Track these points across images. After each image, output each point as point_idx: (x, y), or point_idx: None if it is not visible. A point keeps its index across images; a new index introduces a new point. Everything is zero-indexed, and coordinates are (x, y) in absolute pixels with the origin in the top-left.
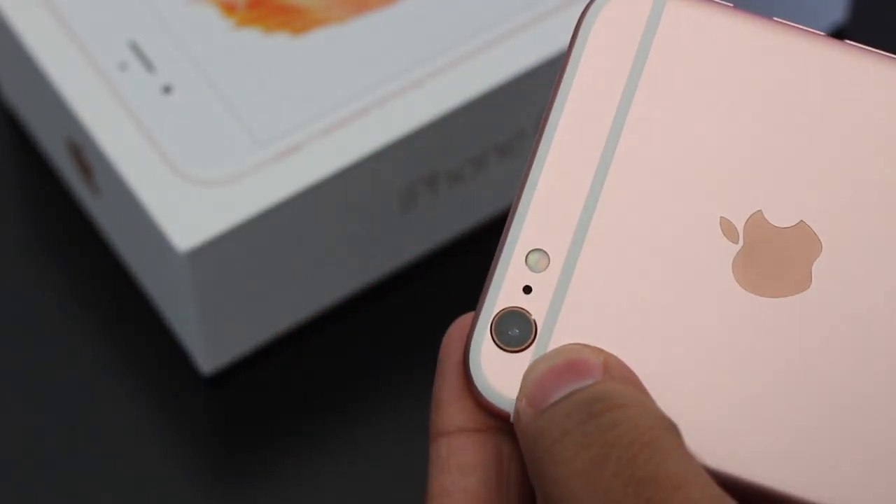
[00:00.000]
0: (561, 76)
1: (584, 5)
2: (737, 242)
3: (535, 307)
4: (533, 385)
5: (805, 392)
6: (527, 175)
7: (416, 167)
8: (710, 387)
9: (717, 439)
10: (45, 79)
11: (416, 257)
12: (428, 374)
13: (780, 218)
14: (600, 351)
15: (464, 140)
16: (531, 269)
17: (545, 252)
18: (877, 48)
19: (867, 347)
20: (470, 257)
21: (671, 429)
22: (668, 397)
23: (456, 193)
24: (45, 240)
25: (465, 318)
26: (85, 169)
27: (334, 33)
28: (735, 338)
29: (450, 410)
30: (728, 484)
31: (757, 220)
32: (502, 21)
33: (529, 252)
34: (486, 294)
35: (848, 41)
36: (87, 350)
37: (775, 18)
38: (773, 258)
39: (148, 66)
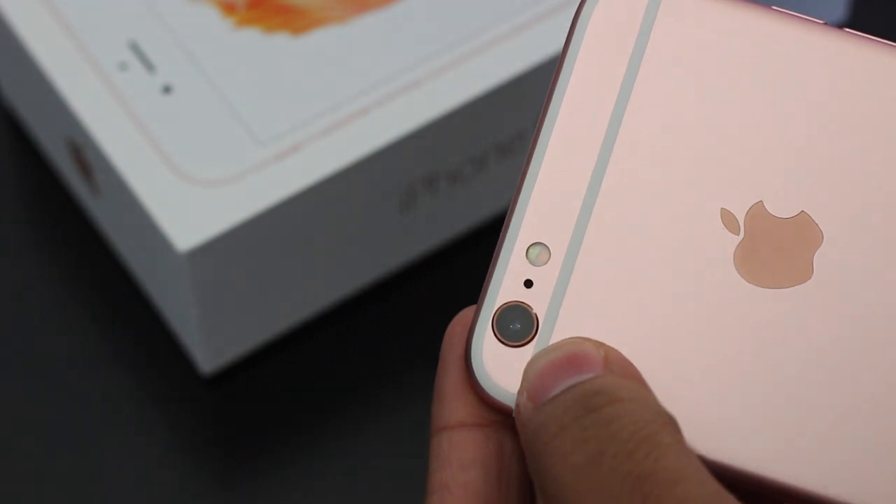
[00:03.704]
0: (559, 69)
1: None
2: (738, 234)
3: (537, 301)
4: (534, 379)
5: (808, 382)
6: (526, 169)
7: (416, 167)
8: (713, 378)
9: (720, 431)
10: (45, 79)
11: (416, 257)
12: (428, 373)
13: (781, 208)
14: (601, 344)
15: (464, 140)
16: (532, 262)
17: (546, 246)
18: (876, 36)
19: (869, 337)
20: (470, 257)
21: (670, 423)
22: (672, 389)
23: (456, 193)
24: (45, 240)
25: (466, 312)
26: (85, 169)
27: (334, 33)
28: (737, 328)
29: (451, 405)
30: (731, 476)
31: (758, 211)
32: (502, 21)
33: (530, 246)
34: (487, 288)
35: (847, 29)
36: (87, 350)
37: (773, 7)
38: (775, 249)
39: (148, 66)
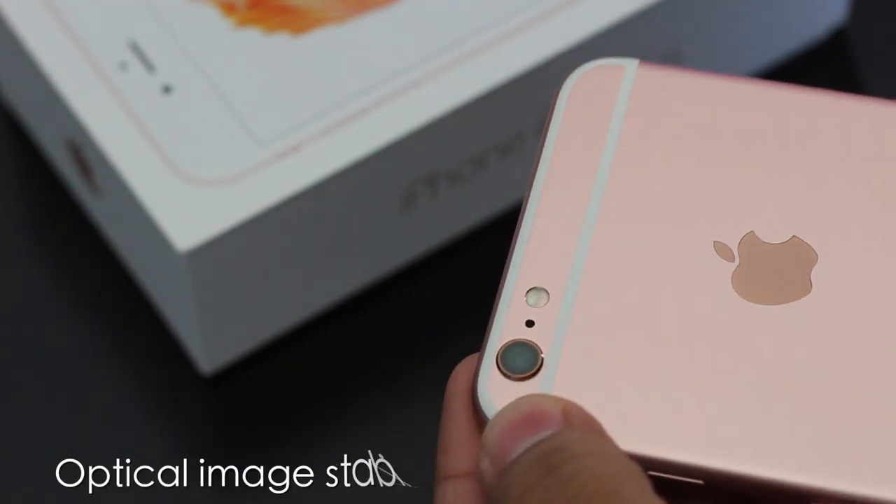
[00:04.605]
0: (546, 133)
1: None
2: (733, 261)
3: (540, 337)
4: (493, 444)
5: (823, 392)
6: (522, 216)
7: (416, 167)
8: (723, 399)
9: (736, 450)
10: (45, 79)
11: (416, 257)
12: (428, 373)
13: (773, 235)
14: (559, 399)
15: (464, 140)
16: (532, 306)
17: (544, 290)
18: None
19: (875, 342)
20: (470, 257)
21: (634, 474)
22: (683, 413)
23: (456, 193)
24: (45, 240)
25: (470, 360)
26: (85, 169)
27: (334, 33)
28: (741, 347)
29: (456, 454)
30: (753, 490)
31: (750, 240)
32: (502, 21)
33: (529, 290)
34: (490, 331)
35: (811, 88)
36: (87, 350)
37: (741, 77)
38: (771, 270)
39: (148, 66)
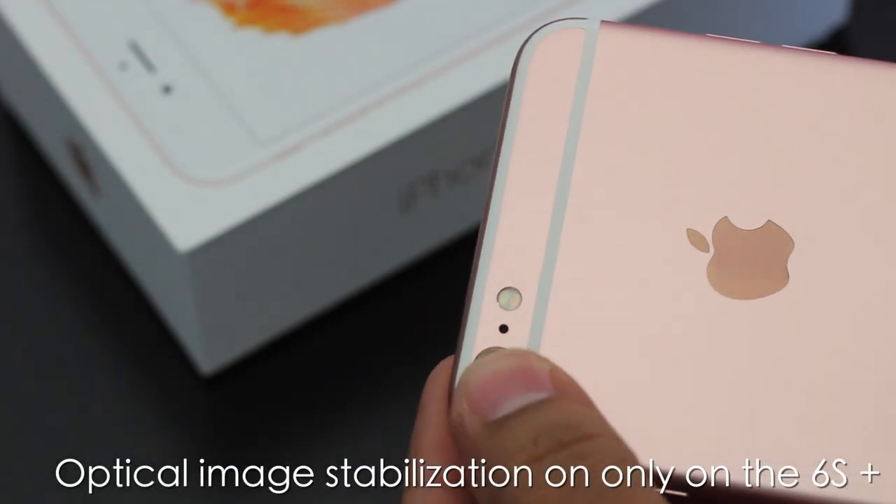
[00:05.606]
0: (506, 115)
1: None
2: (707, 251)
3: (515, 344)
4: (476, 390)
5: (803, 387)
6: (486, 214)
7: (416, 167)
8: (703, 397)
9: (716, 450)
10: (45, 79)
11: (416, 257)
12: (427, 373)
13: (747, 220)
14: (545, 359)
15: (464, 140)
16: (504, 308)
17: (516, 290)
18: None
19: (855, 336)
20: (470, 257)
21: (636, 462)
22: (665, 414)
23: (456, 193)
24: (45, 240)
25: (445, 363)
26: (85, 169)
27: (334, 33)
28: (720, 344)
29: (430, 458)
30: (731, 496)
31: (724, 226)
32: (502, 21)
33: (500, 292)
34: (462, 337)
35: (784, 46)
36: (87, 350)
37: (709, 35)
38: (747, 260)
39: (148, 66)
